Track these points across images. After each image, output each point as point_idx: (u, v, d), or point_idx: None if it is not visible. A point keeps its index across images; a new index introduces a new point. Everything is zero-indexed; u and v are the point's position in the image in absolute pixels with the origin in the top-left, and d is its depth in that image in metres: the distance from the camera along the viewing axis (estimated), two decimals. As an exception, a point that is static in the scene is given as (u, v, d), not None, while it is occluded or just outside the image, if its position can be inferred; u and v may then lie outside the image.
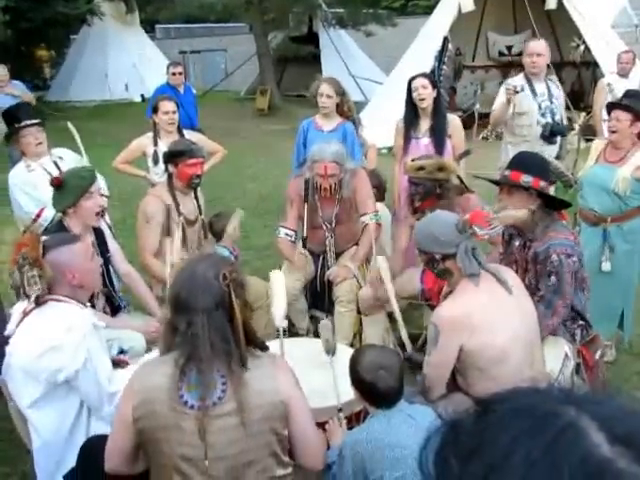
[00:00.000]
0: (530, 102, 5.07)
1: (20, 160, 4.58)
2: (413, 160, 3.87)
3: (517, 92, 4.90)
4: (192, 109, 7.76)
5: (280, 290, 3.56)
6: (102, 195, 4.51)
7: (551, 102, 5.13)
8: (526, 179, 3.21)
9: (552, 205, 3.27)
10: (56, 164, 4.39)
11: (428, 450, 0.77)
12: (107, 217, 4.61)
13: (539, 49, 5.15)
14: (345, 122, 5.18)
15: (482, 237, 2.76)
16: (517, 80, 5.23)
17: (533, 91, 5.10)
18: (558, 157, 5.04)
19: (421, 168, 3.71)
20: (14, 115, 4.53)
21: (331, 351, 2.99)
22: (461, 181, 3.71)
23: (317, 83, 5.17)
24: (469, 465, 0.71)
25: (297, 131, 5.45)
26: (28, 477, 3.04)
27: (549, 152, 4.87)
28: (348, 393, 2.87)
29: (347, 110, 5.19)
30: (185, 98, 7.70)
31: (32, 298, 2.59)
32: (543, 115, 5.10)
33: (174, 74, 7.66)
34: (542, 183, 3.21)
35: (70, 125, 4.64)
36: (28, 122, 4.43)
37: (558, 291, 3.11)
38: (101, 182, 4.63)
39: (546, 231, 3.19)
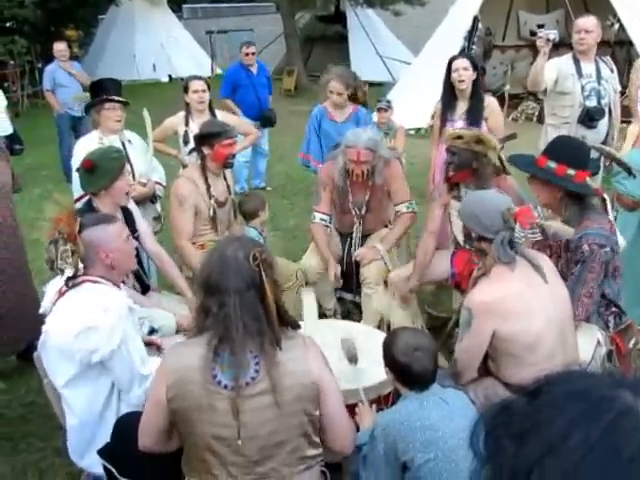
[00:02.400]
0: (574, 82, 4.89)
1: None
2: (454, 128, 3.83)
3: (549, 40, 4.67)
4: (263, 90, 7.78)
5: (311, 310, 3.56)
6: (158, 184, 4.55)
7: (599, 84, 4.91)
8: (551, 165, 3.16)
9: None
10: (124, 145, 4.39)
11: (479, 431, 0.78)
12: (158, 205, 4.63)
13: (588, 25, 4.88)
14: (357, 109, 5.19)
15: (517, 239, 2.71)
16: (564, 59, 5.01)
17: (579, 71, 4.89)
18: (604, 143, 4.87)
19: (459, 137, 3.66)
20: (104, 86, 4.55)
21: (353, 360, 2.98)
22: (501, 162, 3.64)
23: (327, 77, 5.09)
24: (524, 446, 0.72)
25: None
26: (61, 452, 3.10)
27: (590, 137, 4.73)
28: (372, 377, 2.89)
29: (361, 96, 5.14)
30: (257, 79, 7.71)
31: (65, 273, 2.62)
32: (587, 97, 4.89)
33: (247, 54, 7.67)
34: (570, 171, 3.15)
35: (145, 112, 4.64)
36: (115, 97, 4.45)
37: (580, 280, 3.06)
38: (160, 171, 4.67)
39: (581, 219, 3.12)
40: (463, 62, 4.62)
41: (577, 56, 4.94)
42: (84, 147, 4.28)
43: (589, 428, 0.70)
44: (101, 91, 4.50)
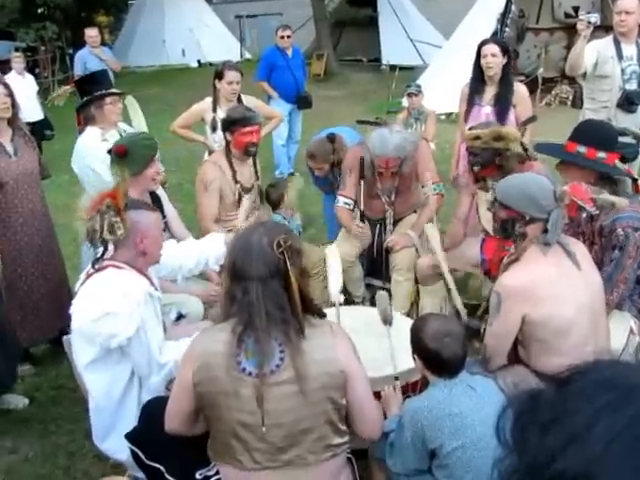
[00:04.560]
0: (614, 65, 4.81)
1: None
2: (471, 129, 3.78)
3: (590, 23, 4.58)
4: (300, 72, 7.83)
5: (335, 266, 3.55)
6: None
7: None
8: (581, 149, 3.11)
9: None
10: (121, 137, 4.38)
11: (505, 418, 0.77)
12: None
13: (628, 6, 4.77)
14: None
15: (591, 212, 2.63)
16: (604, 42, 4.92)
17: (619, 54, 4.80)
18: None
19: (477, 137, 3.62)
20: (99, 81, 4.41)
21: (388, 321, 2.97)
22: (524, 149, 3.59)
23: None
24: (548, 434, 0.71)
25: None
26: (89, 435, 3.14)
27: (629, 122, 4.63)
28: (404, 362, 2.87)
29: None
30: (293, 61, 7.75)
31: (109, 244, 2.64)
32: (627, 81, 4.79)
33: (282, 37, 7.71)
34: (600, 154, 3.10)
35: (131, 99, 4.59)
36: (116, 90, 4.38)
37: (618, 265, 3.03)
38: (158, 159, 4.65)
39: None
40: (492, 48, 4.55)
41: (618, 38, 4.84)
42: (90, 146, 4.16)
43: (615, 417, 0.69)
44: (97, 86, 4.34)
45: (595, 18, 4.62)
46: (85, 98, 4.34)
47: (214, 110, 5.13)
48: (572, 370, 0.78)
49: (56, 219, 4.25)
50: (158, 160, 3.62)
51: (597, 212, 2.88)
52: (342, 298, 3.62)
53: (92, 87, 4.37)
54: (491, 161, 3.61)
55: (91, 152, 4.12)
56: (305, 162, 5.28)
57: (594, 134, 3.21)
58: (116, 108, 4.34)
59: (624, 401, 0.70)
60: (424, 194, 4.28)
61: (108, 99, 4.30)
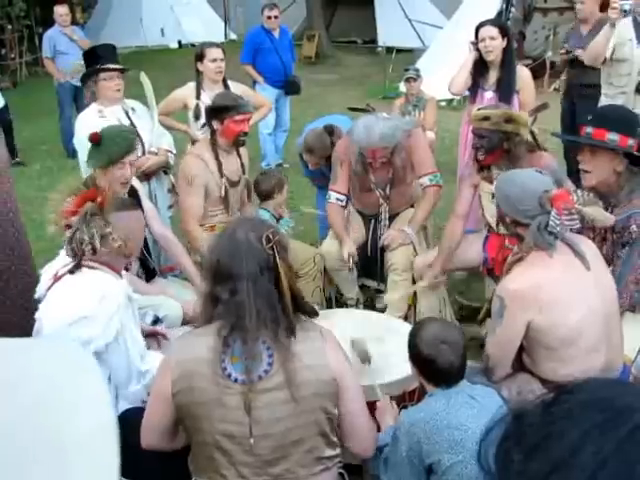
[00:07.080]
0: (632, 48, 4.84)
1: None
2: (479, 109, 3.78)
3: (626, 12, 4.63)
4: (288, 55, 7.83)
5: None
6: (168, 152, 4.53)
7: None
8: (612, 137, 3.11)
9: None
10: (127, 114, 4.41)
11: (488, 442, 0.76)
12: (172, 176, 4.62)
13: None
14: None
15: (552, 229, 2.61)
16: (623, 23, 4.91)
17: (639, 36, 4.83)
18: None
19: (486, 118, 3.62)
20: (98, 55, 4.49)
21: (367, 360, 2.97)
22: (534, 137, 3.60)
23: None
24: (532, 461, 0.70)
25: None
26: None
27: None
28: (397, 372, 2.88)
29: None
30: (280, 43, 7.75)
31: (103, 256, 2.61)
32: None
33: (269, 17, 7.70)
34: (630, 141, 3.11)
35: (144, 76, 4.60)
36: (111, 66, 4.40)
37: (628, 264, 3.03)
38: (169, 138, 4.66)
39: (630, 197, 3.08)
40: (489, 31, 4.61)
41: (638, 19, 4.86)
42: (84, 123, 4.27)
43: (602, 441, 0.67)
44: (97, 60, 4.43)
45: (629, 5, 4.65)
46: (84, 73, 4.47)
47: (197, 97, 5.10)
48: (560, 389, 0.76)
49: (26, 213, 4.24)
50: (130, 166, 3.57)
51: (576, 225, 2.80)
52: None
53: (93, 61, 4.46)
54: (498, 145, 3.60)
55: (82, 128, 4.22)
56: (295, 153, 5.27)
57: (622, 121, 3.21)
58: (112, 84, 4.39)
59: (613, 423, 0.69)
60: (420, 185, 4.28)
61: (102, 74, 4.36)
